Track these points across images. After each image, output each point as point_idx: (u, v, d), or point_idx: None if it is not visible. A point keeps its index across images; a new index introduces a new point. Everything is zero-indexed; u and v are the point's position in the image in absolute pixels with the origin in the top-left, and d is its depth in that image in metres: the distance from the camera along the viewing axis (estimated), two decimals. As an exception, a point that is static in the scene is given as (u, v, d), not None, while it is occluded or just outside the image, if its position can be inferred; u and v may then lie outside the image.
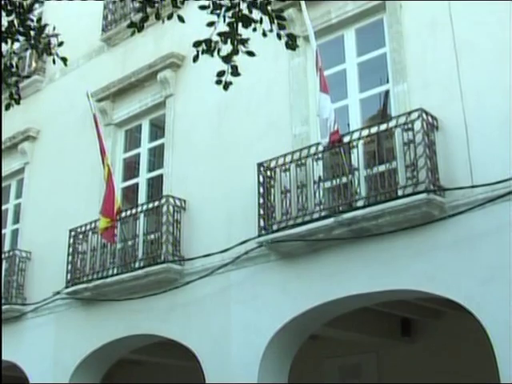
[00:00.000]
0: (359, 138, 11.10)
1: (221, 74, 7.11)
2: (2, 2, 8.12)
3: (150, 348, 14.99)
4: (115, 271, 13.93)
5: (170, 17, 7.32)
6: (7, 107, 8.85)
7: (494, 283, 9.56)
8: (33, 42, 8.35)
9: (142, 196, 14.87)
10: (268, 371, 11.74)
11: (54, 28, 9.33)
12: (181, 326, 12.96)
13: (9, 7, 8.05)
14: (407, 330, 15.08)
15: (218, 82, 7.19)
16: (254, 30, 7.05)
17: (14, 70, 8.82)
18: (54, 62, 8.97)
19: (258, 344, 11.71)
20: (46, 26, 8.56)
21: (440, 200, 10.14)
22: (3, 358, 15.84)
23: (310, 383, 15.86)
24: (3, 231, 17.79)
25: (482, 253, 9.78)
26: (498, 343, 9.38)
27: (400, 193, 10.40)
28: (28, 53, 17.93)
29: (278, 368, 11.91)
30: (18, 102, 8.89)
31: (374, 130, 11.00)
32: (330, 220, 10.85)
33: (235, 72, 7.12)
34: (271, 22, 6.95)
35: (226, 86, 7.16)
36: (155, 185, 14.98)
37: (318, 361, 16.06)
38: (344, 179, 11.16)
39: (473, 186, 9.94)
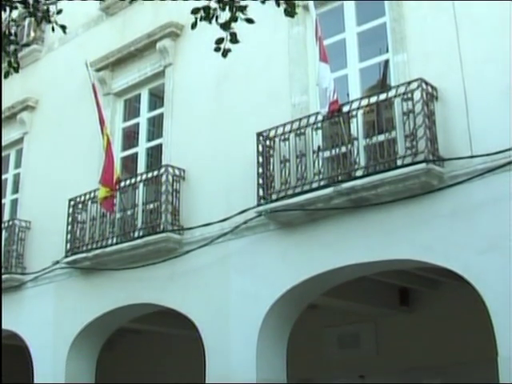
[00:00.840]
0: (358, 108, 11.07)
1: (220, 41, 7.09)
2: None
3: (149, 317, 15.03)
4: (114, 241, 13.95)
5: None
6: (6, 75, 8.82)
7: (492, 253, 9.58)
8: (31, 9, 8.31)
9: (141, 165, 14.86)
10: (267, 340, 11.79)
11: (53, -4, 9.28)
12: (180, 295, 13.01)
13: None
14: (405, 299, 15.16)
15: (217, 50, 7.17)
16: (253, -4, 7.03)
17: (12, 38, 8.78)
18: (53, 29, 8.92)
19: (257, 313, 11.76)
20: (44, -7, 8.53)
21: (439, 170, 10.13)
22: (3, 327, 15.92)
23: (308, 352, 15.99)
24: (2, 201, 17.80)
25: (480, 223, 9.79)
26: (496, 313, 9.41)
27: (399, 162, 10.40)
28: (27, 22, 17.86)
29: (277, 337, 11.96)
30: (16, 70, 8.86)
31: (373, 99, 10.97)
32: (329, 189, 10.86)
33: (234, 39, 7.10)
34: (270, -11, 6.93)
35: (225, 53, 7.15)
36: (154, 154, 14.98)
37: (316, 330, 16.14)
38: (343, 149, 11.15)
39: (472, 156, 9.93)
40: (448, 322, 14.38)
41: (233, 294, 12.22)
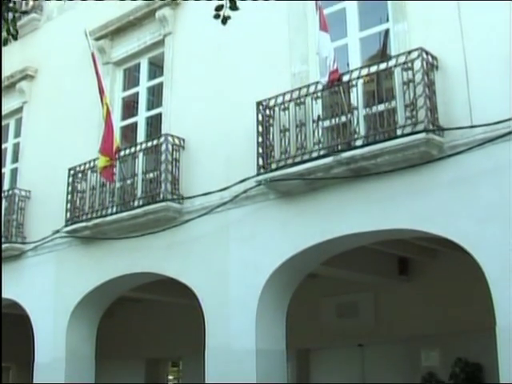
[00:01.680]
0: (358, 77, 11.04)
1: (219, 8, 7.06)
2: None
3: (149, 286, 15.09)
4: (114, 210, 13.97)
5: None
6: (5, 42, 8.80)
7: (491, 223, 9.60)
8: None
9: (140, 135, 14.83)
10: (266, 309, 11.85)
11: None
12: (180, 264, 13.06)
13: None
14: (404, 268, 15.23)
15: (217, 17, 7.15)
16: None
17: (11, 5, 8.75)
18: None
19: (256, 282, 11.81)
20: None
21: (439, 140, 10.12)
22: (4, 296, 16.00)
23: (307, 321, 16.07)
24: (2, 170, 17.80)
25: (479, 193, 9.80)
26: (495, 282, 9.44)
27: (399, 132, 10.39)
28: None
29: (276, 306, 12.02)
30: (15, 38, 8.84)
31: (373, 69, 10.94)
32: (329, 159, 10.86)
33: (234, 6, 7.08)
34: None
35: (225, 20, 7.12)
36: (154, 124, 14.95)
37: (315, 299, 16.23)
38: (343, 118, 11.15)
39: (472, 126, 9.91)
40: (447, 291, 14.45)
41: (232, 263, 12.26)
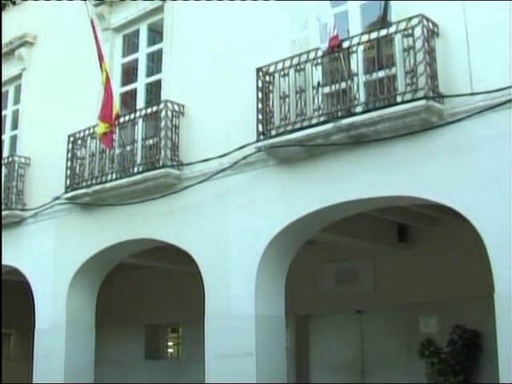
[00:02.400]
0: (359, 44, 10.99)
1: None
2: None
3: (149, 252, 15.14)
4: (114, 176, 13.96)
5: None
6: (4, 7, 8.75)
7: (490, 190, 9.60)
8: None
9: (140, 101, 14.78)
10: (265, 275, 11.89)
11: None
12: (179, 231, 13.08)
13: None
14: (403, 236, 15.28)
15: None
16: None
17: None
18: None
19: (255, 248, 11.84)
20: None
21: (439, 107, 10.09)
22: (4, 262, 16.06)
23: (307, 287, 16.15)
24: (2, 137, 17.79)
25: (479, 160, 9.78)
26: (493, 249, 9.45)
27: (399, 99, 10.35)
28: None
29: (276, 272, 12.07)
30: (14, 3, 8.79)
31: (373, 35, 10.87)
32: (329, 125, 10.83)
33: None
34: None
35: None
36: (154, 90, 14.90)
37: (315, 265, 16.31)
38: (343, 85, 11.10)
39: (472, 94, 9.87)
40: (446, 258, 14.51)
41: (232, 230, 12.28)
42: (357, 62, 11.06)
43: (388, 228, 14.93)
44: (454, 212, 10.16)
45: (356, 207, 11.51)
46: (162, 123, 13.15)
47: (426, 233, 15.07)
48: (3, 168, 16.61)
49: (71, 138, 14.89)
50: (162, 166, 13.00)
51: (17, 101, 17.98)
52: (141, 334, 20.48)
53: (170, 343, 21.06)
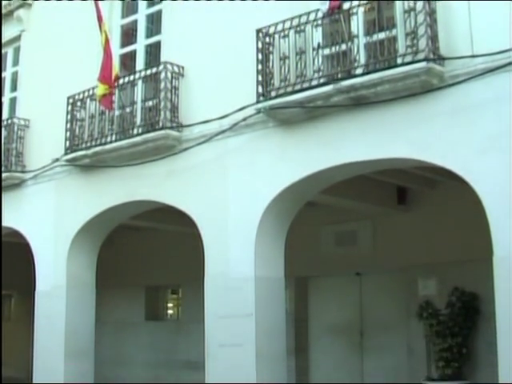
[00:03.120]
0: (359, 5, 10.93)
1: None
2: None
3: (149, 214, 15.18)
4: (114, 138, 13.95)
5: None
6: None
7: (490, 153, 9.58)
8: None
9: (139, 63, 14.71)
10: (265, 237, 11.93)
11: None
12: (179, 192, 13.10)
13: None
14: (403, 198, 15.29)
15: None
16: None
17: None
18: None
19: (255, 210, 11.87)
20: None
21: (439, 69, 10.05)
22: (4, 224, 16.10)
23: (306, 249, 16.20)
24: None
25: (479, 123, 9.76)
26: (493, 212, 9.46)
27: (399, 61, 10.32)
28: None
29: (276, 234, 12.10)
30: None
31: (374, -4, 10.84)
32: (329, 87, 10.79)
33: None
34: None
35: None
36: (153, 52, 14.81)
37: (314, 227, 16.33)
38: (343, 46, 11.06)
39: (473, 56, 9.82)
40: (445, 221, 14.53)
41: (231, 191, 12.30)
42: (357, 24, 11.03)
43: (387, 190, 14.93)
44: (453, 175, 10.16)
45: (356, 169, 11.50)
46: (162, 85, 13.12)
47: (425, 195, 15.08)
48: (3, 130, 16.57)
49: (70, 100, 14.87)
50: (162, 128, 12.98)
51: (16, 62, 17.91)
52: (141, 296, 20.58)
53: (170, 304, 21.16)
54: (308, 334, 17.35)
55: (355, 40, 10.98)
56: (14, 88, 17.84)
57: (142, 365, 20.14)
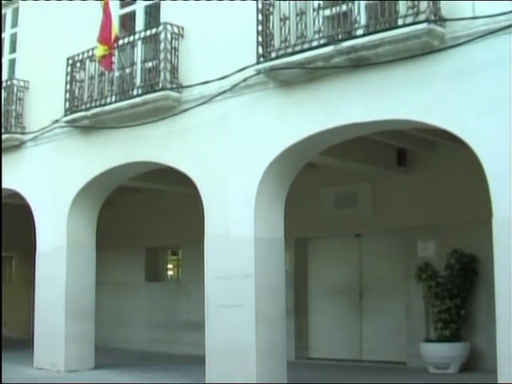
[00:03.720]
0: (361, -34, 10.87)
1: None
2: None
3: (149, 175, 15.18)
4: (113, 99, 13.91)
5: None
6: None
7: (490, 115, 9.57)
8: None
9: (139, 23, 14.61)
10: (265, 198, 11.95)
11: None
12: (179, 153, 13.10)
13: None
14: (403, 160, 15.27)
15: None
16: None
17: None
18: None
19: (255, 171, 11.88)
20: None
21: (440, 30, 9.99)
22: (4, 186, 16.11)
23: (306, 211, 16.23)
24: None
25: (480, 85, 9.73)
26: (492, 174, 9.47)
27: (400, 22, 10.25)
28: None
29: (275, 195, 12.11)
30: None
31: (375, -45, 10.74)
32: (329, 48, 10.74)
33: None
34: None
35: None
36: (153, 12, 14.71)
37: (314, 189, 16.36)
38: (344, 7, 10.99)
39: (474, 18, 9.75)
40: (445, 183, 14.55)
41: (231, 152, 12.29)
42: (358, -16, 10.93)
43: (387, 152, 14.92)
44: (453, 137, 10.16)
45: (355, 130, 11.49)
46: (162, 45, 13.06)
47: (425, 157, 15.07)
48: (2, 92, 16.52)
49: (70, 61, 14.81)
50: (162, 89, 12.95)
51: (15, 24, 17.77)
52: (141, 257, 20.64)
53: (170, 265, 21.23)
54: (307, 295, 17.43)
55: (356, 1, 10.89)
56: (13, 49, 17.74)
57: (142, 325, 20.26)
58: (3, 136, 16.05)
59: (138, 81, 13.69)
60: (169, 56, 13.05)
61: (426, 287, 14.50)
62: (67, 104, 14.75)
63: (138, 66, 13.73)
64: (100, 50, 13.47)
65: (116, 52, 13.72)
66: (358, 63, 10.74)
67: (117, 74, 14.07)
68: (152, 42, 13.45)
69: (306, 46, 11.10)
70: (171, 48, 13.11)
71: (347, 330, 16.68)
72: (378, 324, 16.15)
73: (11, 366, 15.02)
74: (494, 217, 9.42)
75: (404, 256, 15.58)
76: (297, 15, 11.34)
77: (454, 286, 14.16)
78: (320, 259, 17.32)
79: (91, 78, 14.45)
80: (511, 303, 9.01)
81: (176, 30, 13.21)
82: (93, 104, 14.25)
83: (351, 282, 16.76)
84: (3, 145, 16.07)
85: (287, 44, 11.31)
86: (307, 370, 14.67)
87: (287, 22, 11.42)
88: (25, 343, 17.91)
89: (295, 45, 11.21)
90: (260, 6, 11.62)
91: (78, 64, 14.68)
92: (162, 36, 13.08)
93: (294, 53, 11.14)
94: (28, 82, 16.52)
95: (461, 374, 13.71)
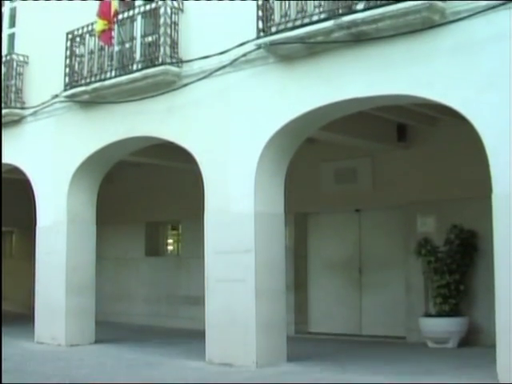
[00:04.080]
0: None
1: None
2: None
3: (149, 150, 15.18)
4: (113, 74, 13.88)
5: None
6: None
7: (491, 91, 9.56)
8: None
9: (139, -2, 14.59)
10: (265, 173, 11.95)
11: None
12: (179, 128, 13.07)
13: None
14: (403, 135, 15.28)
15: None
16: None
17: None
18: None
19: (255, 146, 11.87)
20: None
21: (441, 5, 9.95)
22: (4, 161, 16.10)
23: (306, 186, 16.25)
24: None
25: (481, 60, 9.72)
26: (492, 150, 9.47)
27: (401, -3, 10.24)
28: None
29: (275, 170, 12.11)
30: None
31: None
32: (330, 22, 10.69)
33: None
34: None
35: None
36: (152, -13, 14.67)
37: (314, 164, 16.38)
38: (344, -19, 10.96)
39: (476, -9, 9.76)
40: (445, 158, 14.56)
41: (231, 127, 12.28)
42: (359, -42, 10.87)
43: (387, 127, 14.92)
44: (454, 112, 10.16)
45: (356, 105, 11.47)
46: (161, 20, 13.01)
47: (425, 133, 15.07)
48: (2, 66, 16.47)
49: (70, 36, 14.75)
50: (162, 63, 12.91)
51: (13, -2, 17.72)
52: (141, 232, 20.68)
53: (170, 240, 21.28)
54: (307, 270, 17.48)
55: (356, -25, 10.85)
56: (12, 24, 17.66)
57: (142, 300, 20.35)
58: (3, 111, 16.01)
59: (137, 55, 13.65)
60: (169, 31, 13.00)
61: (426, 262, 14.54)
62: (67, 79, 14.71)
63: (138, 41, 13.70)
64: (100, 25, 13.42)
65: (116, 27, 13.65)
66: (359, 38, 10.71)
67: (116, 48, 14.02)
68: (152, 16, 13.39)
69: (306, 20, 11.05)
70: (171, 22, 13.06)
71: (347, 305, 16.75)
72: (377, 299, 16.21)
73: (12, 340, 15.13)
74: (494, 192, 9.44)
75: (404, 231, 15.61)
76: (297, -10, 11.29)
77: (453, 262, 14.20)
78: (320, 234, 17.36)
79: (91, 52, 14.41)
80: (510, 278, 9.04)
81: (176, 4, 13.16)
82: (92, 79, 14.22)
83: (351, 257, 16.80)
84: (3, 120, 16.04)
85: (287, 19, 11.26)
86: (307, 345, 14.73)
87: (287, -3, 11.38)
88: (25, 318, 18.01)
89: (295, 19, 11.16)
90: (260, -21, 11.57)
91: (78, 39, 14.63)
92: (162, 10, 13.03)
93: (294, 27, 11.10)
94: (27, 56, 16.47)
95: (460, 348, 13.77)
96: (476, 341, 13.98)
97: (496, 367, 9.26)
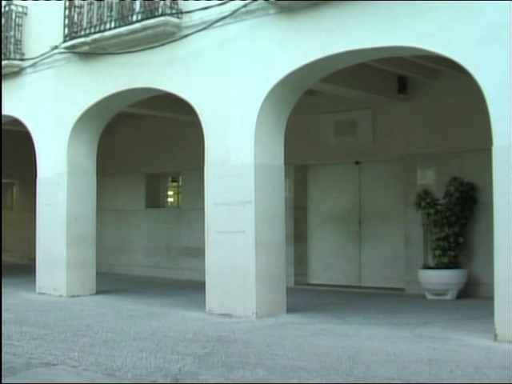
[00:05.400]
0: None
1: None
2: None
3: (149, 102, 15.14)
4: (113, 25, 13.78)
5: None
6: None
7: (492, 43, 9.48)
8: None
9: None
10: (265, 124, 11.91)
11: None
12: (179, 79, 13.00)
13: None
14: (403, 87, 15.23)
15: None
16: None
17: None
18: None
19: (255, 98, 11.81)
20: None
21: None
22: (4, 112, 16.08)
23: (306, 138, 16.25)
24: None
25: (482, 12, 9.62)
26: (494, 102, 9.42)
27: None
28: None
29: (275, 121, 12.06)
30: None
31: None
32: (331, -27, 10.64)
33: None
34: None
35: None
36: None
37: (314, 116, 16.37)
38: None
39: None
40: (445, 111, 14.55)
41: (231, 79, 12.20)
42: None
43: (388, 79, 14.87)
44: (455, 64, 10.09)
45: (356, 57, 11.39)
46: (161, -16, 12.91)
47: (426, 85, 15.03)
48: (2, 18, 16.35)
49: (68, -14, 14.64)
50: (162, 14, 12.80)
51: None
52: (141, 184, 20.72)
53: (170, 192, 21.32)
54: (307, 222, 17.56)
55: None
56: (10, -26, 17.51)
57: (142, 251, 20.48)
58: (2, 62, 15.92)
59: (137, 6, 13.52)
60: (167, -15, 12.90)
61: (425, 215, 14.58)
62: (66, 30, 14.60)
63: (138, -9, 13.60)
64: (99, -25, 13.33)
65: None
66: (359, -7, 10.63)
67: (116, -1, 13.93)
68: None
69: (306, -26, 10.97)
70: (171, -13, 12.96)
71: (346, 257, 16.85)
72: (376, 251, 16.32)
73: (14, 291, 15.26)
74: (494, 144, 9.40)
75: (403, 184, 15.65)
76: None
77: (452, 214, 14.25)
78: (320, 186, 17.40)
79: (90, 3, 14.28)
80: (510, 231, 9.07)
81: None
82: (92, 30, 14.12)
83: (350, 209, 16.86)
84: (2, 71, 15.97)
85: (289, -31, 11.17)
86: (306, 296, 14.84)
87: None
88: (27, 269, 18.12)
89: (298, -31, 11.07)
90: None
91: (77, -11, 14.53)
92: (158, -40, 12.92)
93: (295, -23, 11.02)
94: (26, 7, 16.31)
95: (458, 300, 13.88)
96: (474, 293, 14.10)
97: (494, 319, 9.33)
